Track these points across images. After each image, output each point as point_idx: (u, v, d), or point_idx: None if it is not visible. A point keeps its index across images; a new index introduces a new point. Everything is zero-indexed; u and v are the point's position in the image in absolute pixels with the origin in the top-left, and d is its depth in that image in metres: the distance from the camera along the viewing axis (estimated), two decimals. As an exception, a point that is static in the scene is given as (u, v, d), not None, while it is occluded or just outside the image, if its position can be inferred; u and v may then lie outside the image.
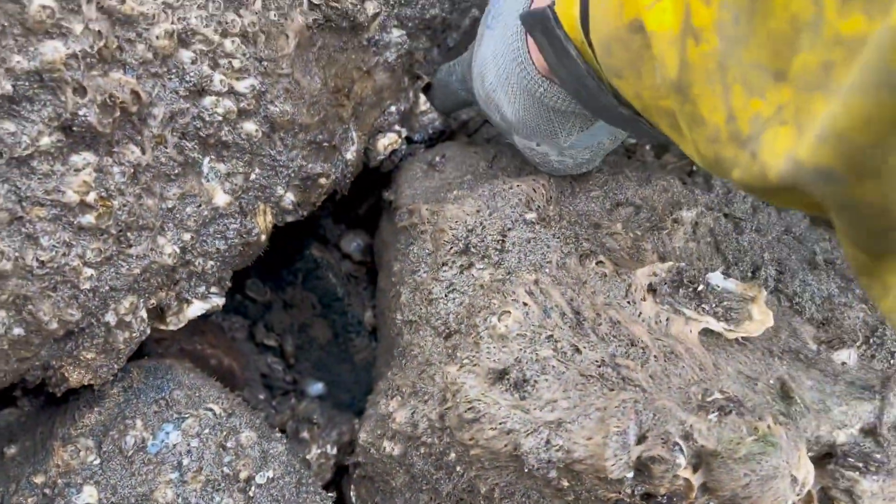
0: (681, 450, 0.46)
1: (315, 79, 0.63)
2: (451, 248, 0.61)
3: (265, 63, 0.57)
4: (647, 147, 0.73)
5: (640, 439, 0.47)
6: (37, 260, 0.47)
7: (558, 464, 0.49)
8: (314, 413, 0.82)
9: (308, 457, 0.77)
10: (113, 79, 0.48)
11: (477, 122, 0.84)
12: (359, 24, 0.65)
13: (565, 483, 0.50)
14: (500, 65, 0.57)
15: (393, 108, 0.73)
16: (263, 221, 0.62)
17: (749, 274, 0.59)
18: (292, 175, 0.63)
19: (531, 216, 0.60)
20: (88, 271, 0.49)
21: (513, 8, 0.55)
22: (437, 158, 0.75)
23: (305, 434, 0.80)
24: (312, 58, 0.63)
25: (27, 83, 0.45)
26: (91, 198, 0.48)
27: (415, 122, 0.78)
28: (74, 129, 0.47)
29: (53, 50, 0.45)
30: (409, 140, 0.78)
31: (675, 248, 0.59)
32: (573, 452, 0.48)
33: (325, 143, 0.66)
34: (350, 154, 0.68)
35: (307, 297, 0.84)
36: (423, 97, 0.77)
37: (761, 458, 0.47)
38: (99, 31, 0.47)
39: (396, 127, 0.74)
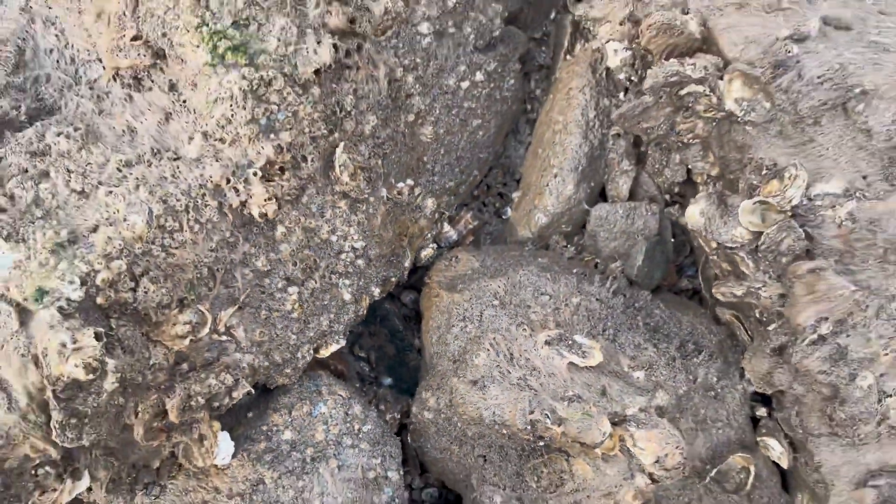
0: (548, 417, 1.10)
1: (389, 231, 1.26)
2: (457, 318, 1.25)
3: (366, 231, 1.21)
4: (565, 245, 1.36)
5: (532, 412, 1.11)
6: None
7: (498, 421, 1.13)
8: (387, 395, 1.46)
9: (385, 419, 1.42)
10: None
11: (481, 237, 1.47)
12: (416, 207, 1.28)
13: (504, 431, 1.14)
14: None
15: (429, 235, 1.37)
16: (365, 303, 1.27)
17: (598, 335, 1.21)
18: (378, 280, 1.27)
19: (496, 302, 1.24)
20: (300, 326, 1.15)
21: None
22: (453, 260, 1.38)
23: (383, 407, 1.45)
24: (389, 221, 1.26)
25: (276, 264, 1.10)
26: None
27: (441, 237, 1.41)
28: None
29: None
30: (438, 245, 1.42)
31: (565, 320, 1.22)
32: (504, 418, 1.12)
33: (393, 259, 1.30)
34: (406, 263, 1.32)
35: (382, 330, 1.49)
36: (447, 225, 1.41)
37: (585, 419, 1.09)
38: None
39: (431, 245, 1.37)
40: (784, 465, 1.21)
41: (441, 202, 1.37)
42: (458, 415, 1.18)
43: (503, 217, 1.55)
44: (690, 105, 1.08)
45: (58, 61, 1.09)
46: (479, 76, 1.36)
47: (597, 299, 1.26)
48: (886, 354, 1.01)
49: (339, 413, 1.25)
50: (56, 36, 1.09)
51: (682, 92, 1.06)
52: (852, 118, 1.01)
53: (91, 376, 0.87)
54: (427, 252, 1.37)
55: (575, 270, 1.34)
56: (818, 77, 1.02)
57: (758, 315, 1.15)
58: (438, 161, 1.33)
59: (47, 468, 0.94)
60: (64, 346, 0.86)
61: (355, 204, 1.17)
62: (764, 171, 1.07)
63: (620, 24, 1.11)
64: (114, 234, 0.93)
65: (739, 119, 1.05)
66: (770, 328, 1.13)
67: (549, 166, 1.40)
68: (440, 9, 1.24)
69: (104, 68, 1.06)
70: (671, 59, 1.05)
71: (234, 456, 1.17)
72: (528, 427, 1.11)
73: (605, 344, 1.20)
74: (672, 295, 1.42)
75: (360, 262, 1.22)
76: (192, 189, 0.99)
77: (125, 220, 0.94)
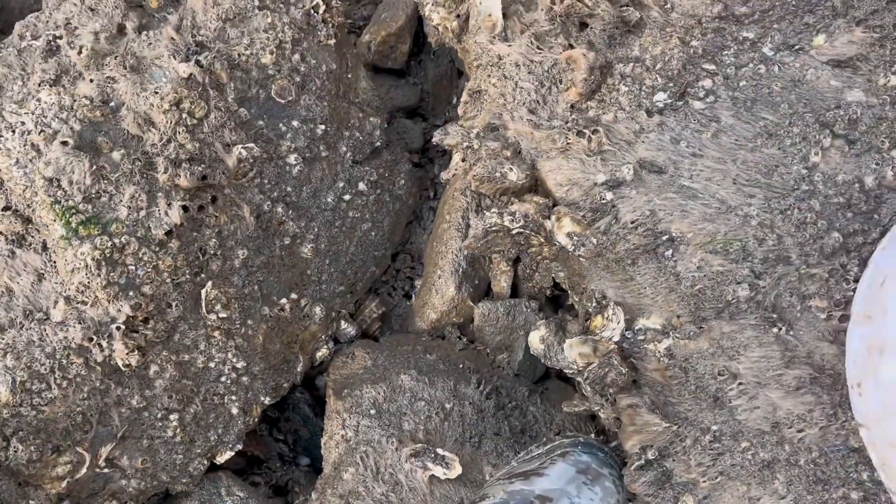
0: None
1: (276, 344, 1.36)
2: (338, 426, 1.34)
3: (247, 352, 1.31)
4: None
5: (388, 529, 1.20)
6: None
7: None
8: (301, 477, 1.58)
9: (297, 502, 1.53)
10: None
11: (381, 328, 1.55)
12: (304, 316, 1.37)
13: None
14: None
15: (323, 336, 1.46)
16: (256, 412, 1.37)
17: (465, 442, 1.29)
18: (268, 389, 1.37)
19: (373, 412, 1.32)
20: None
21: None
22: (350, 357, 1.47)
23: (297, 489, 1.56)
24: (274, 335, 1.35)
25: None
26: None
27: (339, 335, 1.50)
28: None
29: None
30: (337, 341, 1.51)
31: (435, 428, 1.30)
32: None
33: (284, 367, 1.39)
34: (299, 367, 1.42)
35: (296, 417, 1.60)
36: (343, 322, 1.49)
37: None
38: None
39: (326, 345, 1.46)
40: (644, 561, 1.27)
41: (333, 305, 1.46)
42: (334, 520, 1.28)
43: (410, 301, 1.63)
44: (524, 241, 1.14)
45: (-49, 220, 1.20)
46: (361, 186, 1.43)
47: (470, 403, 1.34)
48: (705, 482, 1.07)
49: (238, 514, 1.36)
50: (-52, 196, 1.20)
51: (513, 233, 1.12)
52: (663, 262, 1.06)
53: (-39, 539, 1.00)
54: (322, 353, 1.46)
55: (461, 366, 1.41)
56: (632, 222, 1.07)
57: (604, 427, 1.22)
58: (325, 271, 1.42)
59: None
60: (-65, 514, 0.99)
61: (231, 331, 1.26)
62: (594, 304, 1.13)
63: (462, 160, 1.16)
64: (-19, 404, 1.05)
65: (571, 252, 1.11)
66: (612, 444, 1.19)
67: (436, 264, 1.47)
68: (308, 138, 1.31)
69: (-11, 228, 1.17)
70: (491, 210, 1.10)
71: (139, 559, 1.29)
72: None
73: (470, 451, 1.28)
74: (559, 382, 1.49)
75: (244, 379, 1.31)
76: (58, 351, 1.10)
77: (-8, 390, 1.06)
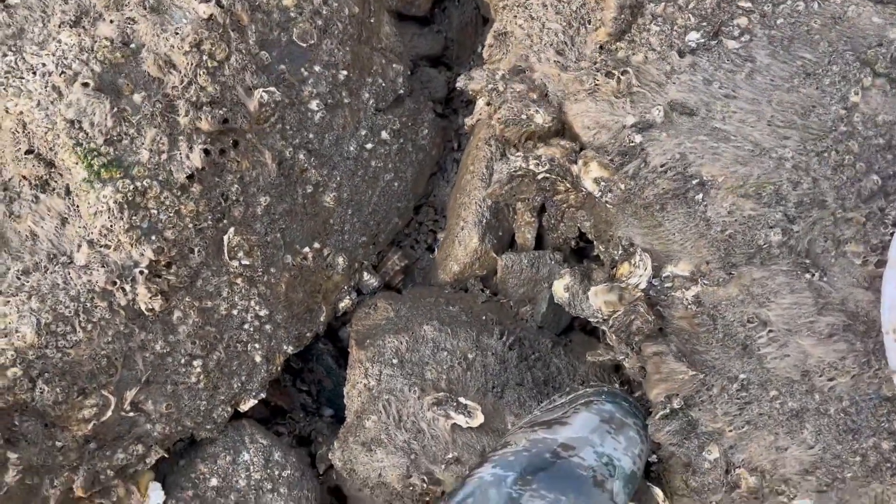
0: (424, 481, 1.19)
1: (299, 293, 1.35)
2: (360, 375, 1.34)
3: (270, 300, 1.30)
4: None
5: (409, 475, 1.20)
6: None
7: (384, 483, 1.23)
8: (324, 428, 1.58)
9: (321, 452, 1.54)
10: (206, 333, 1.24)
11: (404, 281, 1.54)
12: (327, 266, 1.36)
13: (392, 489, 1.24)
14: None
15: (346, 287, 1.45)
16: (279, 361, 1.37)
17: (487, 392, 1.29)
18: (291, 338, 1.37)
19: (395, 361, 1.32)
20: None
21: None
22: (372, 308, 1.47)
23: (321, 439, 1.57)
24: (297, 284, 1.35)
25: (176, 344, 1.22)
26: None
27: (362, 286, 1.49)
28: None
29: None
30: (360, 293, 1.50)
31: (458, 377, 1.29)
32: (388, 481, 1.22)
33: (307, 317, 1.39)
34: (322, 318, 1.42)
35: (319, 368, 1.60)
36: (366, 274, 1.48)
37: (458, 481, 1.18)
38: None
39: (349, 296, 1.46)
40: (666, 512, 1.27)
41: (356, 255, 1.45)
42: (358, 471, 1.28)
43: (433, 254, 1.61)
44: (550, 187, 1.11)
45: (-25, 165, 1.20)
46: (384, 135, 1.41)
47: (492, 354, 1.33)
48: (731, 431, 1.05)
49: (260, 460, 1.37)
50: (-28, 141, 1.20)
51: (538, 178, 1.09)
52: (693, 207, 1.03)
53: (-10, 475, 1.01)
54: (344, 303, 1.46)
55: (484, 317, 1.40)
56: (661, 166, 1.04)
57: (629, 378, 1.20)
58: (347, 221, 1.40)
59: (-28, 543, 1.10)
60: (-36, 451, 1.00)
61: (253, 278, 1.26)
62: (620, 251, 1.11)
63: (487, 104, 1.14)
64: (6, 345, 1.06)
65: (598, 199, 1.09)
66: (637, 394, 1.18)
67: (459, 216, 1.45)
68: (330, 84, 1.29)
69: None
70: (516, 154, 1.08)
71: (165, 503, 1.31)
72: (409, 489, 1.21)
73: (493, 401, 1.27)
74: (583, 335, 1.47)
75: (267, 327, 1.31)
76: (82, 294, 1.10)
77: (17, 331, 1.06)
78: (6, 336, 1.06)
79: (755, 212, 0.99)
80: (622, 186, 1.07)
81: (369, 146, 1.38)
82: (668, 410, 1.09)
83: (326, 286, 1.41)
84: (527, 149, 1.09)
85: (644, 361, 1.10)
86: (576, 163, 1.09)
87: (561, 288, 1.15)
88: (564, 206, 1.20)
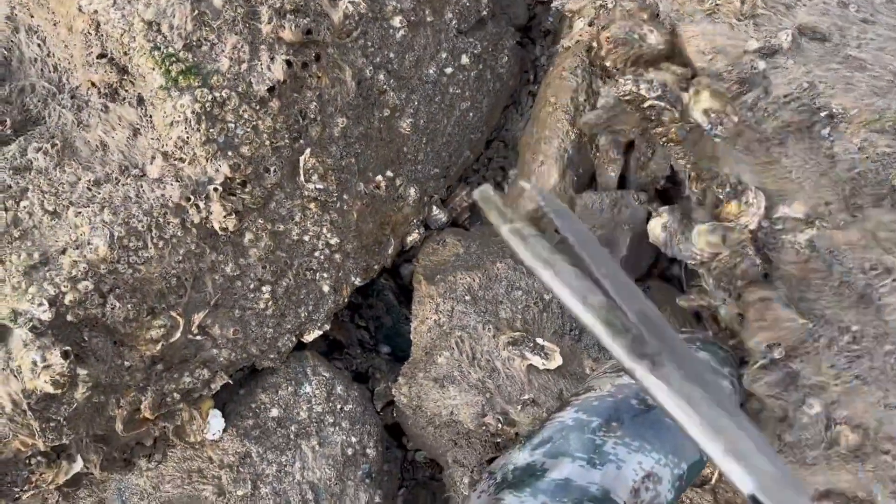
0: (500, 420, 1.14)
1: (369, 223, 1.30)
2: (430, 310, 1.29)
3: (341, 228, 1.25)
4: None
5: (484, 415, 1.15)
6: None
7: (456, 420, 1.19)
8: (382, 364, 1.54)
9: (378, 388, 1.50)
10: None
11: (471, 219, 1.48)
12: (398, 196, 1.30)
13: (463, 428, 1.19)
14: None
15: (415, 221, 1.39)
16: (346, 292, 1.32)
17: (564, 335, 1.23)
18: (359, 269, 1.32)
19: (468, 298, 1.27)
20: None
21: None
22: (440, 243, 1.41)
23: (378, 375, 1.53)
24: (368, 213, 1.29)
25: (246, 267, 1.17)
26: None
27: (430, 220, 1.43)
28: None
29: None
30: (427, 227, 1.44)
31: (534, 318, 1.24)
32: (460, 418, 1.18)
33: (375, 248, 1.33)
34: (390, 250, 1.36)
35: (378, 303, 1.55)
36: (436, 208, 1.42)
37: (535, 423, 1.13)
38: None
39: (417, 230, 1.40)
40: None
41: (427, 188, 1.38)
42: (425, 407, 1.24)
43: (504, 191, 1.54)
44: (655, 117, 1.04)
45: (42, 70, 1.14)
46: (464, 60, 1.33)
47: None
48: (836, 385, 0.99)
49: (323, 393, 1.34)
50: (38, 45, 1.14)
51: (644, 105, 1.01)
52: (818, 142, 0.95)
53: (60, 390, 0.97)
54: (413, 237, 1.40)
55: (558, 259, 1.34)
56: (784, 96, 0.95)
57: (721, 327, 1.14)
58: (421, 150, 1.34)
59: (38, 458, 1.07)
60: (35, 364, 0.96)
61: (327, 204, 1.20)
62: (728, 189, 1.03)
63: (590, 24, 1.05)
64: (79, 257, 1.01)
65: (707, 131, 1.01)
66: (731, 343, 1.11)
67: (538, 150, 1.38)
68: (414, 0, 1.21)
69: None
70: (626, 77, 1.00)
71: (224, 430, 1.28)
72: (482, 429, 1.16)
73: (570, 344, 1.22)
74: (660, 282, 1.40)
75: (336, 256, 1.26)
76: (154, 209, 1.05)
77: (89, 243, 1.01)
78: (78, 248, 1.02)
79: (891, 148, 0.91)
80: (734, 119, 0.99)
81: (449, 70, 1.30)
82: (767, 360, 1.03)
83: (396, 218, 1.35)
84: (636, 73, 1.01)
85: (745, 308, 1.04)
86: (686, 90, 1.01)
87: (658, 226, 1.08)
88: (662, 140, 1.12)
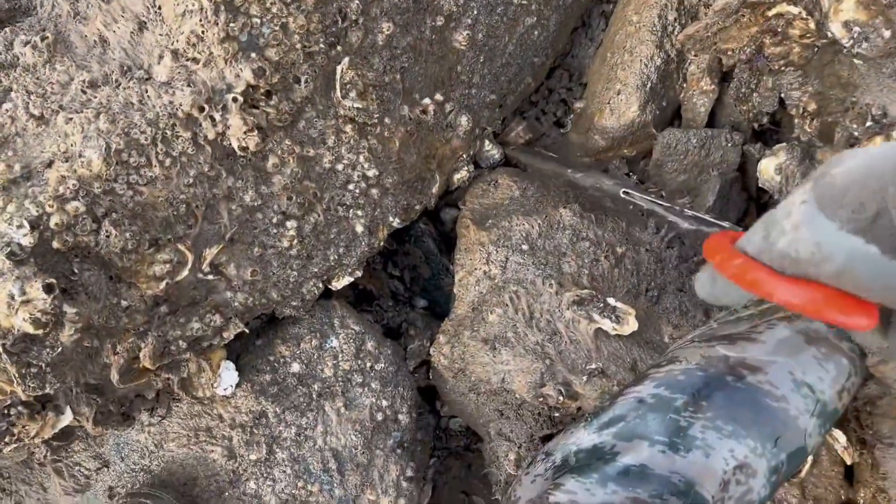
0: (561, 392, 0.96)
1: (412, 155, 1.11)
2: (481, 260, 1.10)
3: (381, 158, 1.06)
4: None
5: (543, 384, 0.97)
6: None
7: (507, 389, 1.01)
8: (418, 319, 1.37)
9: (412, 346, 1.33)
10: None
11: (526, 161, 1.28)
12: (448, 125, 1.11)
13: (515, 397, 1.02)
14: None
15: (464, 156, 1.20)
16: (382, 234, 1.14)
17: (640, 295, 1.04)
18: (398, 209, 1.13)
19: (525, 247, 1.08)
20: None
21: None
22: (492, 184, 1.22)
23: (412, 332, 1.36)
24: (412, 143, 1.10)
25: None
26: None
27: (480, 157, 1.24)
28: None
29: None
30: (478, 166, 1.25)
31: (603, 274, 1.05)
32: (514, 387, 1.00)
33: (418, 185, 1.15)
34: (434, 189, 1.17)
35: (416, 250, 1.37)
36: (487, 142, 1.22)
37: (603, 398, 0.95)
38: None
39: (467, 166, 1.20)
40: (847, 461, 1.03)
41: (480, 118, 1.19)
42: (470, 371, 1.06)
43: (564, 130, 1.34)
44: (781, 29, 0.83)
45: (35, -48, 0.96)
46: (533, -35, 1.12)
47: (647, 250, 1.07)
48: None
49: (351, 348, 1.16)
50: (31, -79, 0.95)
51: (770, 13, 0.80)
52: None
53: (42, 331, 0.81)
54: (461, 175, 1.21)
55: (631, 207, 1.15)
56: (963, 2, 0.74)
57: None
58: (476, 71, 1.13)
59: (19, 408, 0.91)
60: (12, 297, 0.79)
61: (365, 128, 1.01)
62: (869, 122, 0.82)
63: (702, -89, 0.84)
64: (68, 171, 0.83)
65: (846, 50, 0.80)
66: (849, 314, 0.92)
67: (614, 78, 1.17)
68: None
69: (80, -37, 0.92)
70: (754, -28, 0.79)
71: (238, 385, 1.12)
72: (539, 400, 0.98)
73: (647, 307, 1.03)
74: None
75: (373, 191, 1.07)
76: (161, 119, 0.87)
77: (81, 155, 0.84)
78: (68, 161, 0.84)
79: None
80: (886, 34, 0.77)
81: (515, -23, 1.10)
82: (901, 338, 0.83)
83: (443, 151, 1.16)
84: (765, -31, 0.80)
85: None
86: (827, -4, 0.79)
87: (772, 168, 0.88)
88: (779, 63, 0.91)
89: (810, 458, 1.05)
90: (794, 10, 0.79)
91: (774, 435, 0.88)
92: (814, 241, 0.59)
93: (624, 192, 0.97)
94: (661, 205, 0.91)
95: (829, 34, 0.81)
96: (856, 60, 0.82)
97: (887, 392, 0.87)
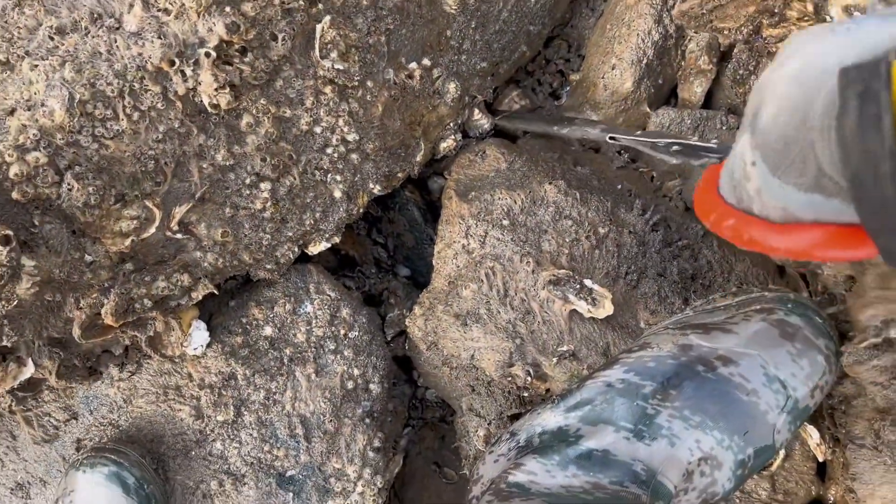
0: (529, 373, 0.94)
1: (396, 121, 1.07)
2: (460, 233, 1.07)
3: (361, 122, 1.03)
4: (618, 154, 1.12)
5: (511, 364, 0.96)
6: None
7: (476, 366, 0.99)
8: (399, 288, 1.35)
9: (391, 315, 1.31)
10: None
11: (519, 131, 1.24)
12: (435, 92, 1.07)
13: (484, 375, 1.00)
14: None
15: (451, 124, 1.16)
16: (361, 201, 1.11)
17: (619, 278, 1.01)
18: (379, 175, 1.10)
19: (506, 222, 1.05)
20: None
21: (830, 54, 0.47)
22: (479, 154, 1.18)
23: (393, 301, 1.34)
24: (396, 108, 1.07)
25: (241, 157, 0.95)
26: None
27: (469, 126, 1.20)
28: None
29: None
30: (465, 135, 1.21)
31: (583, 254, 1.02)
32: (483, 364, 0.98)
33: (401, 153, 1.12)
34: (419, 157, 1.14)
35: (401, 218, 1.34)
36: (477, 110, 1.19)
37: (572, 381, 0.94)
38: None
39: (453, 135, 1.17)
40: (819, 457, 1.01)
41: (470, 86, 1.15)
42: (442, 345, 1.05)
43: (559, 102, 1.31)
44: (778, 10, 0.79)
45: None
46: (532, -71, 1.07)
47: (630, 232, 1.04)
48: (969, 382, 0.77)
49: (326, 315, 1.15)
50: None
51: (767, -8, 0.76)
52: None
53: (-2, 283, 0.79)
54: (447, 144, 1.18)
55: (619, 187, 1.11)
56: (970, -9, 0.70)
57: (819, 289, 0.91)
58: (468, 37, 1.10)
59: (-23, 359, 0.90)
60: (-33, 248, 0.78)
61: (346, 90, 0.98)
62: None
63: None
64: (30, 120, 0.81)
65: (845, 35, 0.75)
66: (829, 310, 0.89)
67: (610, 51, 1.13)
68: None
69: None
70: (751, -52, 0.75)
71: (208, 346, 1.10)
72: (507, 380, 0.97)
73: (624, 290, 1.00)
74: (738, 227, 1.17)
75: (353, 156, 1.05)
76: (129, 71, 0.84)
77: (43, 104, 0.81)
78: (30, 110, 0.81)
79: None
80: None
81: (512, -60, 1.05)
82: (880, 339, 0.81)
83: (429, 118, 1.12)
84: (765, -56, 0.76)
85: (861, 270, 0.81)
86: (828, -23, 0.75)
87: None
88: (777, 45, 0.86)
89: (782, 453, 1.03)
90: (793, -10, 0.75)
91: (743, 429, 0.86)
92: (779, 207, 0.59)
93: (610, 138, 0.94)
94: (647, 141, 0.89)
95: (829, 18, 0.77)
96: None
97: (862, 392, 0.85)
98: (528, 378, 0.94)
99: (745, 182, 0.60)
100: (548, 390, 0.96)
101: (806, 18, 0.79)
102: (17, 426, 1.17)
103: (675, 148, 0.89)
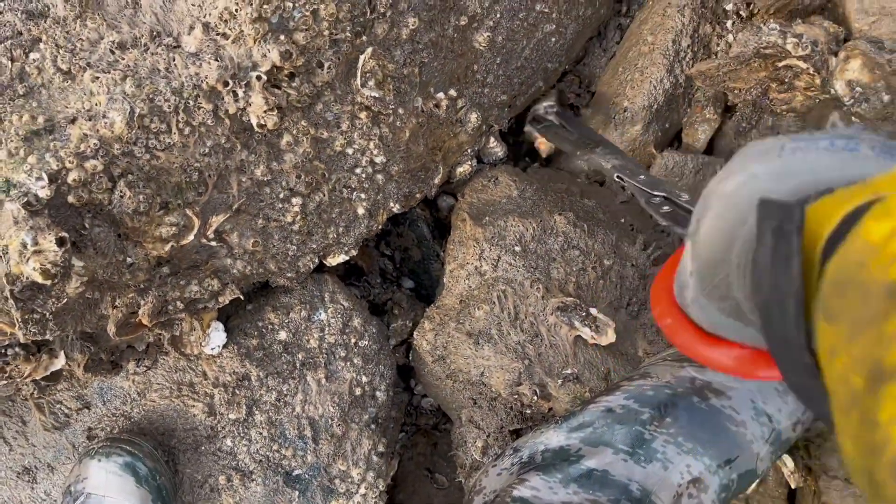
0: (536, 393, 1.01)
1: (420, 146, 1.14)
2: (473, 255, 1.14)
3: (390, 146, 1.09)
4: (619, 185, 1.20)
5: (519, 383, 1.03)
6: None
7: (486, 382, 1.06)
8: (403, 300, 1.41)
9: (395, 325, 1.38)
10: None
11: (528, 160, 1.31)
12: (458, 120, 1.14)
13: (491, 391, 1.07)
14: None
15: (469, 150, 1.23)
16: (381, 218, 1.17)
17: (620, 309, 1.09)
18: (400, 196, 1.17)
19: (518, 248, 1.12)
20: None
21: (764, 180, 0.48)
22: (492, 180, 1.25)
23: (396, 311, 1.40)
24: (421, 134, 1.13)
25: (278, 173, 1.01)
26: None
27: (484, 153, 1.27)
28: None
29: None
30: (479, 161, 1.28)
31: (589, 283, 1.10)
32: (491, 382, 1.05)
33: (421, 175, 1.18)
34: (436, 179, 1.21)
35: (410, 233, 1.41)
36: (492, 139, 1.26)
37: (575, 403, 1.01)
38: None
39: (470, 161, 1.24)
40: (791, 485, 1.10)
41: (489, 116, 1.22)
42: (451, 360, 1.11)
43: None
44: (788, 80, 0.87)
45: None
46: (559, -25, 1.14)
47: (632, 265, 1.12)
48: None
49: (338, 323, 1.20)
50: None
51: (780, 64, 0.85)
52: None
53: (50, 281, 0.83)
54: (463, 169, 1.24)
55: (622, 220, 1.19)
56: (960, 82, 0.79)
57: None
58: (492, 71, 1.16)
59: (17, 349, 0.94)
60: (25, 246, 0.82)
61: (379, 116, 1.04)
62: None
63: (730, -45, 0.87)
64: (90, 130, 0.85)
65: (846, 107, 0.84)
66: (813, 353, 0.98)
67: (622, 94, 1.21)
68: None
69: (118, -80, 0.93)
70: (771, 26, 0.83)
71: (225, 346, 1.15)
72: (514, 397, 1.04)
73: (626, 320, 1.08)
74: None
75: (378, 177, 1.11)
76: (185, 89, 0.89)
77: (105, 116, 0.86)
78: (91, 120, 0.86)
79: None
80: (885, 98, 0.82)
81: (541, -15, 1.12)
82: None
83: (450, 144, 1.19)
84: (783, 24, 0.84)
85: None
86: (836, 55, 0.83)
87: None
88: (781, 108, 0.95)
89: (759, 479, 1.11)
90: (803, 65, 0.83)
91: (730, 456, 0.94)
92: (708, 322, 0.63)
93: (618, 177, 1.01)
94: (644, 192, 0.95)
95: (833, 91, 0.86)
96: (854, 119, 0.86)
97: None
98: (535, 397, 1.01)
99: (685, 289, 0.63)
100: (550, 409, 1.03)
101: (812, 88, 0.87)
102: (29, 412, 1.21)
103: (665, 209, 0.91)
